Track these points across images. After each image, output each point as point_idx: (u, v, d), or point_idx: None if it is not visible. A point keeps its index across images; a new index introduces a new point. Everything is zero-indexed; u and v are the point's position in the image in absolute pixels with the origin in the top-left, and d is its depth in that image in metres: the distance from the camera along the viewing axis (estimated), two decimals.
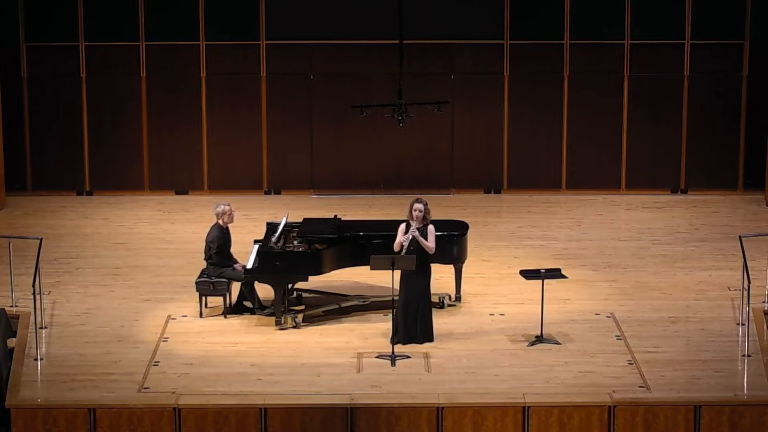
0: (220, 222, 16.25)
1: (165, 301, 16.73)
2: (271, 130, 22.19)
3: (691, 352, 15.03)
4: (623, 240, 19.62)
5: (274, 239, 16.30)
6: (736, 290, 16.75)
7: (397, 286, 15.06)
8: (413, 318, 15.14)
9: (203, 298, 16.16)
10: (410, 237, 15.11)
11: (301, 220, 16.83)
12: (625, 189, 22.31)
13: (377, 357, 14.79)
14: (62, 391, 13.95)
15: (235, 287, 16.35)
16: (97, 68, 21.90)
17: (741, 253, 16.07)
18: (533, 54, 22.02)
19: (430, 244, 15.22)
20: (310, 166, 22.29)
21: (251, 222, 19.04)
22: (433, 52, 21.96)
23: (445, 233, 16.30)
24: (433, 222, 15.53)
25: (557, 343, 15.22)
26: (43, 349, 15.07)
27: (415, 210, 15.23)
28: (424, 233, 15.21)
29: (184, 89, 22.05)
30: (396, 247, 15.19)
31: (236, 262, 16.30)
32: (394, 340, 15.03)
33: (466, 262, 16.64)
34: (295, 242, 16.14)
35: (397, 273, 15.03)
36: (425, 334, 15.27)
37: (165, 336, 15.50)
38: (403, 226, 15.32)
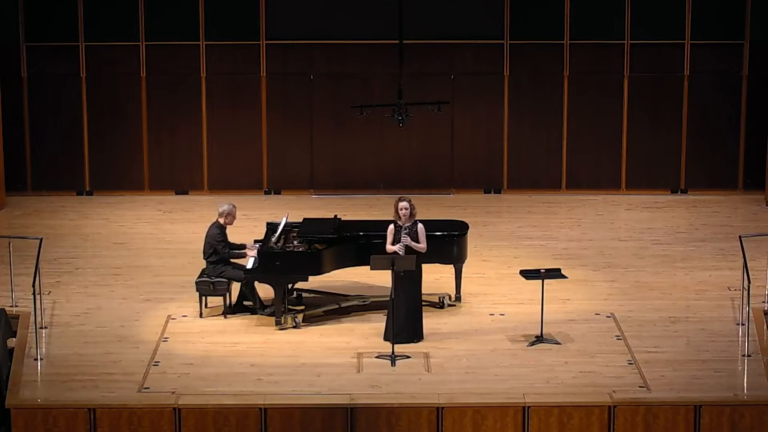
0: (221, 221, 16.22)
1: (165, 301, 16.73)
2: (271, 130, 22.17)
3: (691, 352, 15.03)
4: (623, 240, 19.61)
5: (274, 239, 16.29)
6: (736, 290, 16.75)
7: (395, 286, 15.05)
8: (405, 318, 15.11)
9: (203, 298, 16.15)
10: (403, 246, 15.07)
11: (301, 220, 16.82)
12: (625, 189, 22.29)
13: (377, 357, 14.78)
14: (62, 391, 13.95)
15: (235, 287, 16.34)
16: (97, 68, 21.89)
17: (741, 253, 16.08)
18: (533, 54, 22.01)
19: (422, 245, 15.20)
20: (310, 166, 22.28)
21: (251, 222, 19.02)
22: (433, 52, 21.95)
23: (445, 233, 16.30)
24: (433, 222, 15.50)
25: (557, 343, 15.22)
26: (43, 349, 15.07)
27: (401, 209, 15.16)
28: (414, 231, 15.18)
29: (184, 89, 22.04)
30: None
31: (245, 246, 16.25)
32: (390, 338, 15.03)
33: (466, 262, 16.63)
34: (295, 242, 16.13)
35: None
36: (418, 334, 15.27)
37: (165, 336, 15.49)
38: (391, 227, 15.28)
